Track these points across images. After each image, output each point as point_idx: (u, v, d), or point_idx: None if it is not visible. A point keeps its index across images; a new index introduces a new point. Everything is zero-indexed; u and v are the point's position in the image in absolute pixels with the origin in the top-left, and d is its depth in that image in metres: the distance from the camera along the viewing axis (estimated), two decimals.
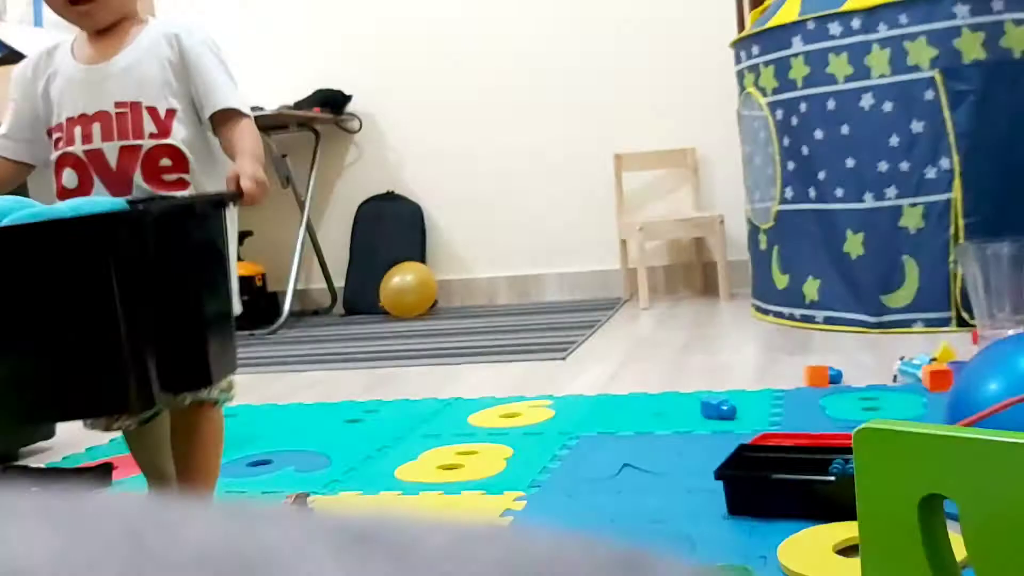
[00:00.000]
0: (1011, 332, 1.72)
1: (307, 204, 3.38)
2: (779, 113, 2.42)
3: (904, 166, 2.18)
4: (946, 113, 2.12)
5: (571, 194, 3.38)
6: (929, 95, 2.14)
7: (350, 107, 3.52)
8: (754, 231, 2.64)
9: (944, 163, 2.13)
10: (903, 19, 2.15)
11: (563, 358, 2.20)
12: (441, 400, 1.84)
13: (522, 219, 3.44)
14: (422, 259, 3.46)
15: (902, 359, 1.69)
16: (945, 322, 2.14)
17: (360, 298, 3.46)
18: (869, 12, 2.19)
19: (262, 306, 3.32)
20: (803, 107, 2.34)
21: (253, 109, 3.29)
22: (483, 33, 3.41)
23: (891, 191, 2.20)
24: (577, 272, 3.40)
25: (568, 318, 2.86)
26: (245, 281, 3.31)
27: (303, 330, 3.12)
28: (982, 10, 2.10)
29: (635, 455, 1.34)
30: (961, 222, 2.11)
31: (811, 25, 2.29)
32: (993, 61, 2.11)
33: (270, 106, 3.36)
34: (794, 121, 2.38)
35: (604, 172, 3.33)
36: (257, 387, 2.17)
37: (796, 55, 2.34)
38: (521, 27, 3.37)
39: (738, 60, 2.62)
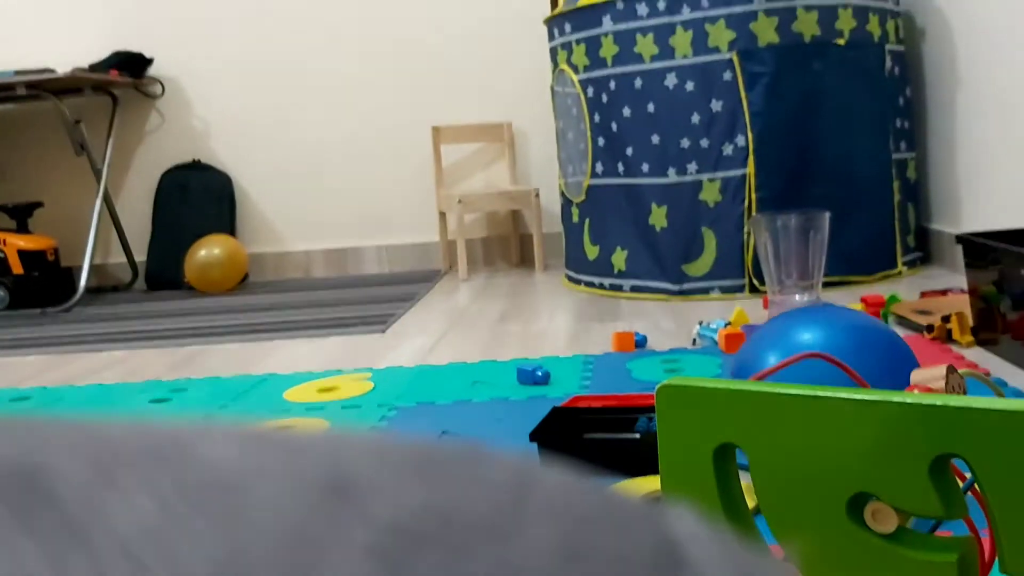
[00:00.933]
0: (798, 297, 1.86)
1: (104, 173, 3.17)
2: (590, 90, 2.49)
3: (704, 143, 2.30)
4: (742, 93, 2.26)
5: (389, 166, 3.35)
6: (728, 76, 2.27)
7: (151, 70, 3.32)
8: (567, 204, 2.72)
9: (740, 140, 2.27)
10: (704, 2, 2.27)
11: (382, 331, 2.18)
12: (254, 376, 1.78)
13: (339, 191, 3.37)
14: (232, 232, 3.33)
15: (700, 324, 1.79)
16: (739, 289, 2.29)
17: (164, 273, 3.29)
18: None
19: (55, 282, 3.10)
20: (612, 85, 2.43)
21: (43, 71, 3.06)
22: (294, 0, 3.30)
23: (692, 166, 2.32)
24: (396, 245, 3.39)
25: (387, 291, 2.84)
26: (35, 255, 3.08)
27: (101, 307, 2.94)
28: None
29: (454, 422, 1.35)
30: (754, 196, 2.26)
31: (620, 5, 2.37)
32: (785, 45, 2.26)
33: (62, 68, 3.13)
34: (604, 98, 2.46)
35: (422, 145, 3.32)
36: (51, 368, 2.02)
37: (606, 34, 2.42)
38: None
39: (551, 37, 2.68)
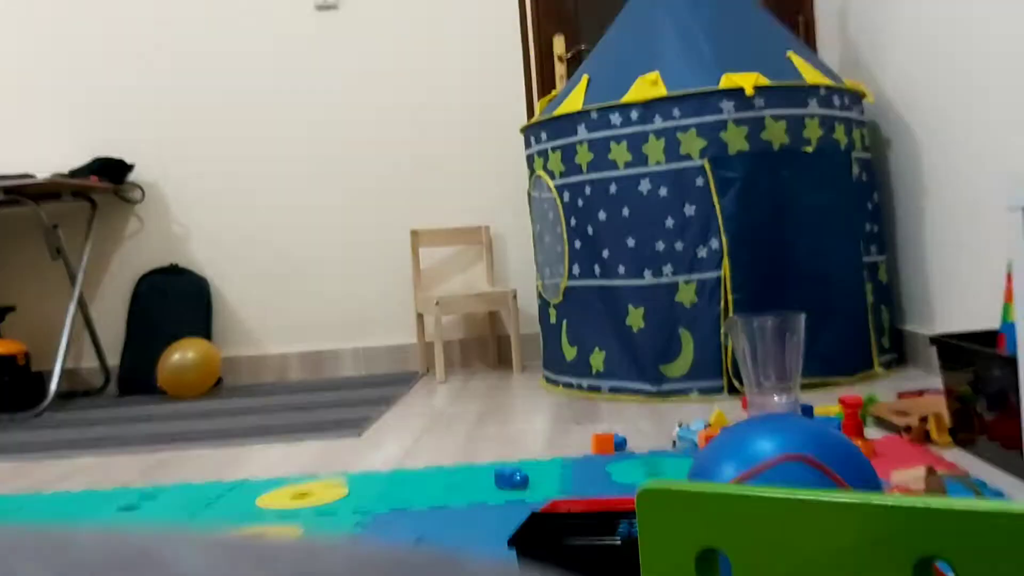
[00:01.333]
0: (776, 398, 1.86)
1: (79, 278, 3.16)
2: (566, 195, 2.54)
3: (679, 246, 2.34)
4: (715, 198, 2.31)
5: (367, 269, 3.37)
6: (700, 182, 2.32)
7: (132, 176, 3.36)
8: (544, 305, 2.73)
9: (714, 243, 2.31)
10: (676, 112, 2.34)
11: (358, 435, 2.15)
12: (226, 483, 1.74)
13: (316, 293, 3.38)
14: (208, 335, 3.31)
15: (680, 425, 1.78)
16: (718, 390, 2.29)
17: (137, 377, 3.25)
18: (646, 105, 2.36)
19: (25, 387, 3.05)
20: (588, 190, 2.47)
21: (22, 176, 3.08)
22: (275, 106, 3.37)
23: (668, 268, 2.35)
24: (373, 347, 3.37)
25: (363, 394, 2.81)
26: (5, 360, 3.03)
27: (71, 412, 2.88)
28: (745, 106, 2.32)
29: (430, 529, 1.32)
30: (731, 297, 2.29)
31: (594, 115, 2.44)
32: (755, 152, 2.32)
33: (41, 173, 3.16)
34: (580, 203, 2.50)
35: (401, 248, 3.35)
36: (17, 475, 1.97)
37: (581, 142, 2.48)
38: (317, 101, 3.37)
39: (528, 145, 2.74)
